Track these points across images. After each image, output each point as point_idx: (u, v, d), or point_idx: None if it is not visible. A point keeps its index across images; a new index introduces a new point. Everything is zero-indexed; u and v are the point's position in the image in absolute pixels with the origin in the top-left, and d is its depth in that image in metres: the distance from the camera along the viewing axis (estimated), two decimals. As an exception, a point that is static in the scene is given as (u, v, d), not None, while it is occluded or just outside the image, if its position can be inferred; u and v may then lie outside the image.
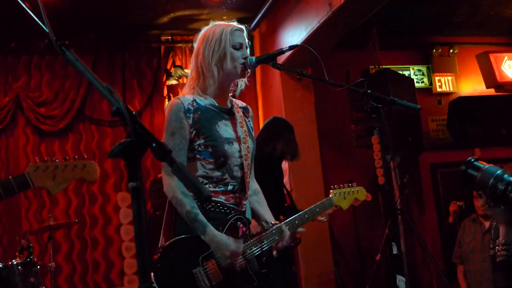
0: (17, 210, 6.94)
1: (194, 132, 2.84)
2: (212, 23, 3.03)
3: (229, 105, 3.04)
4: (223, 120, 2.94)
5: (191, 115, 2.83)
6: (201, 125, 2.84)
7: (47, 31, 1.52)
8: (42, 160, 2.75)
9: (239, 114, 3.04)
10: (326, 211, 4.53)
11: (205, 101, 2.92)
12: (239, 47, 2.93)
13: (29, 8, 1.67)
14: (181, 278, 2.70)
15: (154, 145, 1.35)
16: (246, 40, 3.01)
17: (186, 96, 2.91)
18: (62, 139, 7.25)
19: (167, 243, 2.77)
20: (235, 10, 6.80)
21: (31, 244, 5.15)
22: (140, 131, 1.34)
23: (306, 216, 3.15)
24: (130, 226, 7.11)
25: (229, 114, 3.00)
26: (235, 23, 3.01)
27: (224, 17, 3.08)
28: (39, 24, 1.58)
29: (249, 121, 3.14)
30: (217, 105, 2.95)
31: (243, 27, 3.03)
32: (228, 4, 6.71)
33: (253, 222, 3.06)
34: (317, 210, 3.25)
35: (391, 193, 6.44)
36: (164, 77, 7.51)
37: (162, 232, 2.96)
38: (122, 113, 1.32)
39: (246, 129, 3.03)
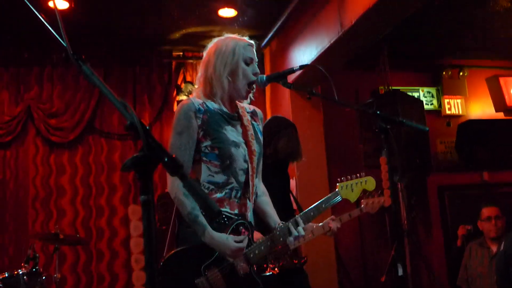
0: (24, 221, 6.97)
1: (202, 133, 2.85)
2: (225, 35, 3.07)
3: (236, 110, 3.06)
4: (230, 126, 2.96)
5: (201, 115, 2.86)
6: (209, 126, 2.86)
7: (65, 45, 1.54)
8: None
9: (246, 118, 3.06)
10: (330, 226, 4.47)
11: (215, 105, 2.95)
12: (249, 62, 2.97)
13: (46, 21, 1.69)
14: None
15: (166, 159, 1.37)
16: (255, 55, 3.04)
17: (197, 98, 2.94)
18: (71, 151, 7.29)
19: (168, 255, 2.77)
20: (247, 27, 6.85)
21: (37, 254, 5.18)
22: (153, 145, 1.36)
23: (312, 213, 3.06)
24: (140, 238, 7.12)
25: (236, 119, 3.02)
26: (246, 38, 3.05)
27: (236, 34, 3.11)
28: (56, 37, 1.60)
29: (258, 124, 3.15)
30: (224, 110, 2.98)
31: (253, 42, 3.06)
32: (240, 22, 6.76)
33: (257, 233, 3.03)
34: (323, 206, 3.15)
35: (398, 214, 6.43)
36: (175, 93, 7.56)
37: (167, 243, 2.96)
38: (136, 127, 1.34)
39: (253, 133, 3.03)
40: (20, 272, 4.97)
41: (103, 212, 7.24)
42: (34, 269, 5.07)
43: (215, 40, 3.07)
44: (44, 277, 5.18)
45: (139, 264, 7.05)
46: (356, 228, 7.59)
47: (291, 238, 2.96)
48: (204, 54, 3.07)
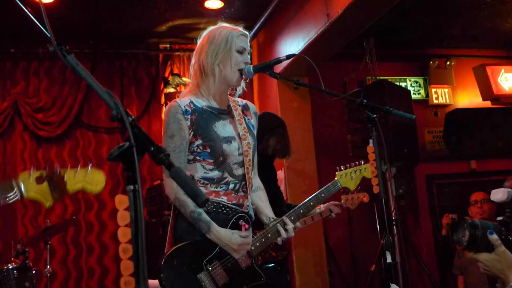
0: (12, 216, 6.94)
1: (192, 133, 2.86)
2: (219, 24, 3.08)
3: (227, 104, 3.06)
4: (221, 120, 2.96)
5: (189, 116, 2.86)
6: (198, 126, 2.86)
7: (49, 36, 1.53)
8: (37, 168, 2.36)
9: (237, 112, 3.06)
10: (334, 211, 4.49)
11: (202, 102, 2.95)
12: (242, 51, 2.96)
13: (31, 13, 1.68)
14: (187, 285, 2.71)
15: (152, 148, 1.37)
16: (249, 46, 3.04)
17: (183, 99, 2.94)
18: (59, 145, 7.26)
19: (169, 252, 2.76)
20: (234, 19, 6.77)
21: (26, 249, 5.17)
22: (139, 135, 1.35)
23: (311, 203, 3.10)
24: (127, 228, 7.11)
25: (227, 113, 3.02)
26: (240, 28, 3.05)
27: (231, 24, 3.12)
28: (40, 28, 1.59)
29: (249, 119, 3.14)
30: (214, 106, 2.98)
31: (247, 33, 3.07)
32: (226, 14, 6.74)
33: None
34: (322, 195, 3.17)
35: (387, 203, 6.44)
36: (162, 85, 7.53)
37: (167, 238, 2.94)
38: (121, 118, 1.34)
39: (246, 126, 3.03)
40: (10, 267, 4.96)
41: (92, 206, 7.22)
42: (24, 264, 5.06)
43: (209, 28, 3.07)
44: (34, 271, 5.17)
45: (126, 253, 7.04)
46: (345, 218, 7.62)
47: (279, 239, 2.98)
48: (198, 41, 3.07)
